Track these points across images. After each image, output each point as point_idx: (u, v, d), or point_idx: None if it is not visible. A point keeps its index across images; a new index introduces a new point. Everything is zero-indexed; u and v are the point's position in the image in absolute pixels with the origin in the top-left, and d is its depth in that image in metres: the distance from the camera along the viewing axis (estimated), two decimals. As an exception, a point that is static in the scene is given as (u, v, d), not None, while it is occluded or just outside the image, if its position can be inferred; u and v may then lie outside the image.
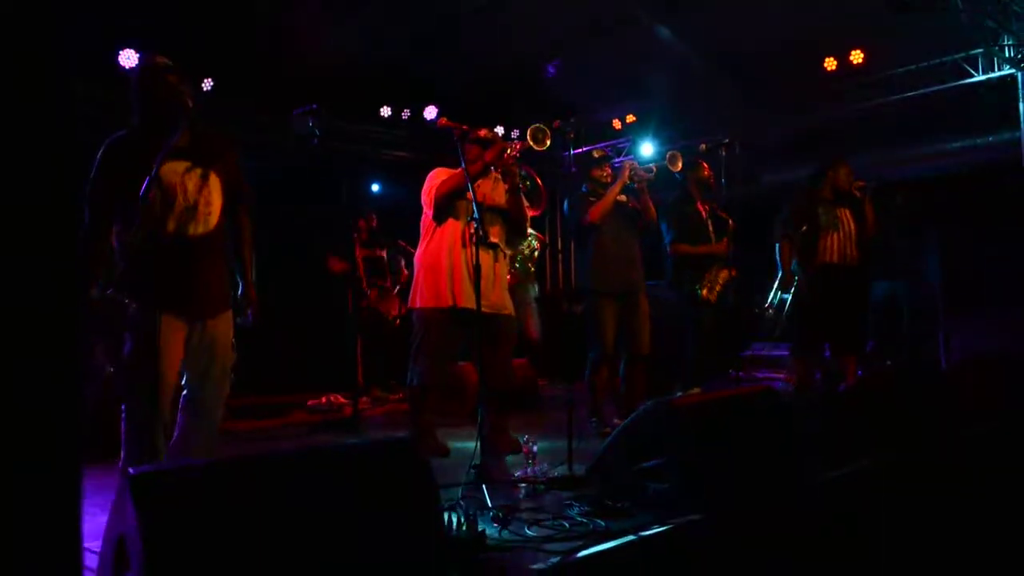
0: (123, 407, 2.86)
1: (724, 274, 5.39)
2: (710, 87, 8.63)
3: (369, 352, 7.10)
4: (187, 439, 2.97)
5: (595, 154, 5.21)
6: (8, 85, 1.21)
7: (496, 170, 4.14)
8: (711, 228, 5.45)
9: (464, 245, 4.10)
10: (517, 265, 7.14)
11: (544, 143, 4.07)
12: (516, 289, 7.22)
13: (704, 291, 5.30)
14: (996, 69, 7.30)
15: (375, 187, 9.27)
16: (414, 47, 6.91)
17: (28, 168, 1.32)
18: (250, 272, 3.18)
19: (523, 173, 4.29)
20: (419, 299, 4.19)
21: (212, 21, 6.52)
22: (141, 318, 2.80)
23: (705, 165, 5.53)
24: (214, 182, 2.98)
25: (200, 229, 2.92)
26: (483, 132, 4.23)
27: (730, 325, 6.96)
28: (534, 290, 7.52)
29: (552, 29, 7.57)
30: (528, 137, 4.05)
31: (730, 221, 5.50)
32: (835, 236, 5.14)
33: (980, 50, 7.16)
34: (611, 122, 9.41)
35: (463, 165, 3.78)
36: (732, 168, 5.35)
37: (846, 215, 5.18)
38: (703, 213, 5.46)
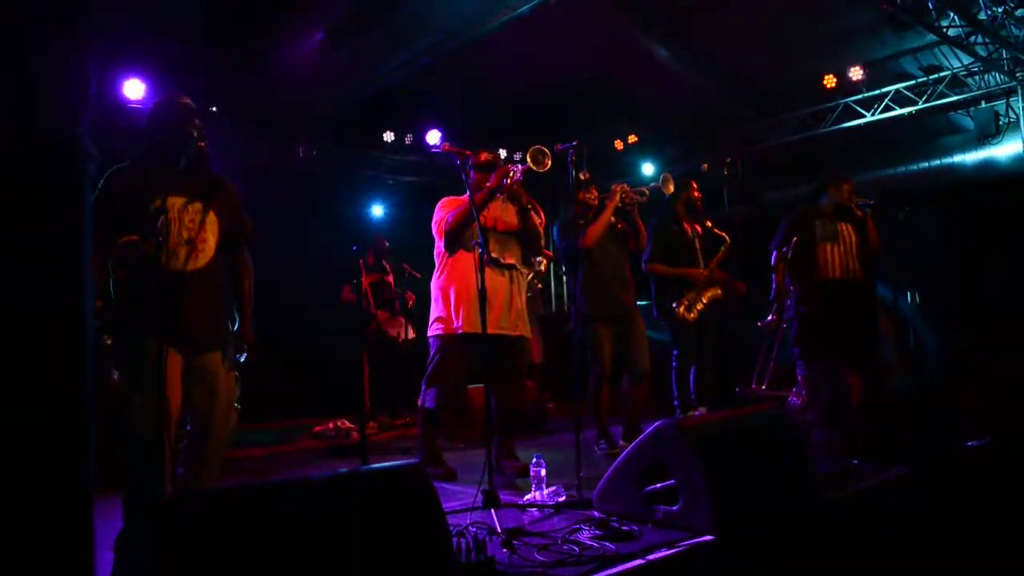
0: (124, 440, 2.84)
1: (710, 293, 5.34)
2: (712, 106, 8.69)
3: (376, 377, 7.10)
4: (194, 475, 2.97)
5: (582, 176, 5.15)
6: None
7: (502, 195, 4.17)
8: (699, 247, 5.43)
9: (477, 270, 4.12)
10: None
11: (545, 164, 4.08)
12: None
13: (681, 309, 5.25)
14: (994, 84, 7.36)
15: (380, 211, 9.31)
16: (417, 72, 6.96)
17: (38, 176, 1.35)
18: (248, 309, 3.20)
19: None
20: (435, 326, 4.23)
21: (215, 49, 6.59)
22: (139, 348, 2.79)
23: (695, 186, 5.51)
24: (211, 219, 3.01)
25: (194, 264, 2.95)
26: (484, 156, 4.26)
27: (732, 342, 6.95)
28: (540, 308, 7.51)
29: (555, 53, 7.64)
30: (528, 159, 4.06)
31: (727, 239, 5.49)
32: (835, 249, 5.07)
33: (978, 64, 7.22)
34: (613, 143, 9.47)
35: (468, 192, 3.81)
36: (734, 186, 5.35)
37: (847, 229, 5.13)
38: (689, 233, 5.44)
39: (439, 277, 4.27)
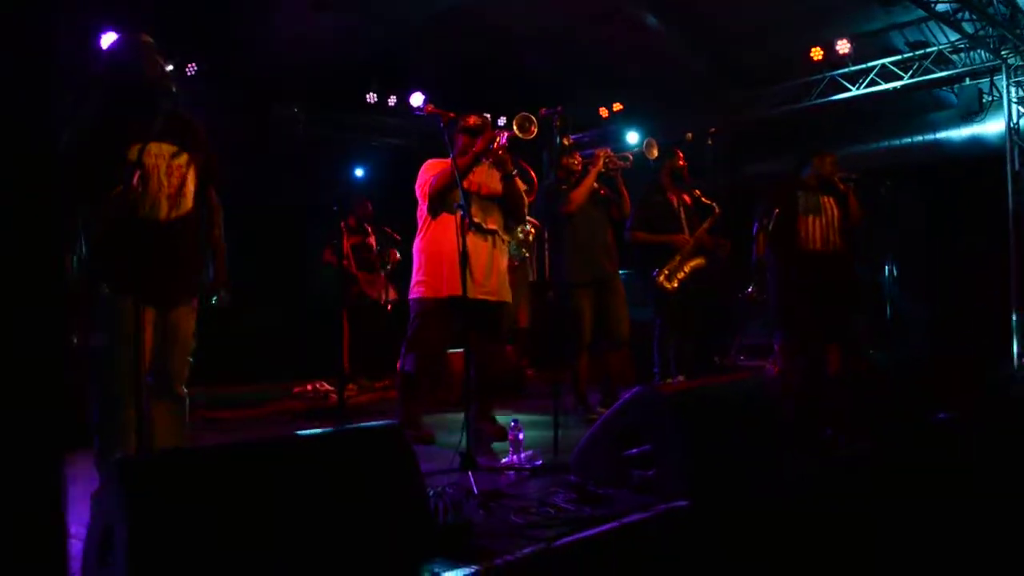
0: (95, 395, 2.81)
1: (692, 263, 5.32)
2: (697, 77, 8.65)
3: (356, 339, 7.10)
4: (158, 424, 2.91)
5: (565, 142, 5.12)
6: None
7: (487, 159, 4.14)
8: (684, 217, 5.40)
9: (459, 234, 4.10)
10: (512, 251, 7.15)
11: (530, 132, 4.06)
12: (512, 274, 7.25)
13: (661, 277, 5.24)
14: (979, 62, 7.37)
15: (360, 173, 9.24)
16: (402, 34, 6.87)
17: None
18: (222, 254, 3.16)
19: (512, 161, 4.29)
20: (417, 289, 4.20)
21: (196, 7, 6.46)
22: (119, 306, 2.74)
23: (680, 154, 5.48)
24: (190, 166, 2.95)
25: (175, 213, 2.89)
26: (472, 120, 4.21)
27: (714, 313, 6.99)
28: (529, 275, 7.51)
29: (540, 17, 7.56)
30: (514, 126, 4.04)
31: (716, 208, 5.46)
32: (817, 222, 5.07)
33: (964, 40, 7.22)
34: (598, 110, 9.42)
35: (452, 155, 3.77)
36: (718, 157, 5.34)
37: (830, 202, 5.13)
38: (675, 203, 5.42)
39: (421, 240, 4.24)
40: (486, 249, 4.17)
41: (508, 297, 4.34)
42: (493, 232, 4.23)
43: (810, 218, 5.06)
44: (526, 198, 4.37)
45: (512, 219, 4.40)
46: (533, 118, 4.03)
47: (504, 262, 4.35)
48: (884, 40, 7.88)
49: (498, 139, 4.04)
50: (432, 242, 4.17)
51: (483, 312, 4.11)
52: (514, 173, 4.20)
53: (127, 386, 2.76)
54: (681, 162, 5.43)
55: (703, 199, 5.53)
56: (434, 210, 4.16)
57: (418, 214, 4.29)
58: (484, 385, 4.26)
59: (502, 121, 8.78)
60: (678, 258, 5.31)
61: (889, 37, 7.83)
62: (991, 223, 7.42)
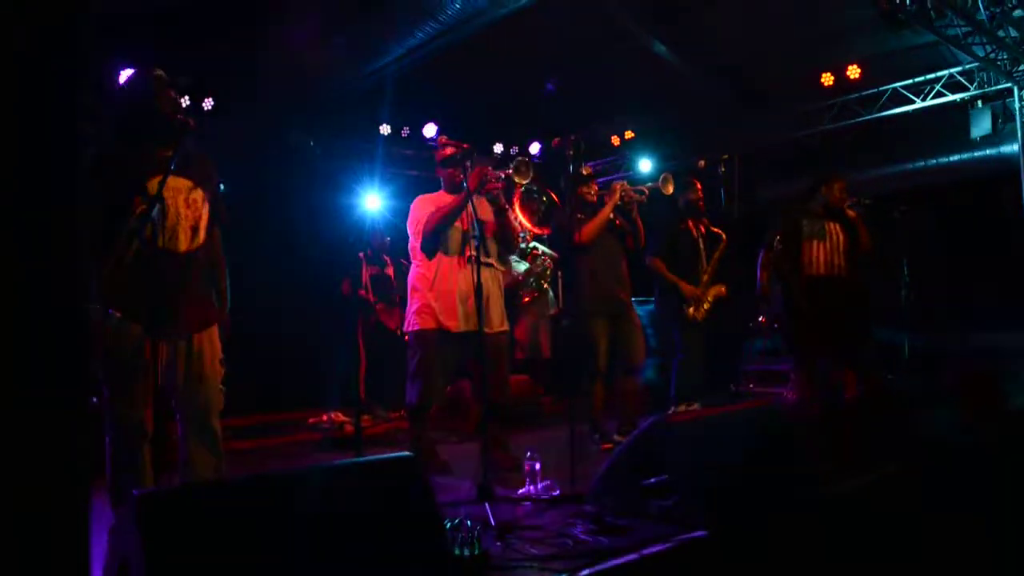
0: (108, 428, 2.80)
1: (714, 291, 5.43)
2: (709, 103, 8.68)
3: (372, 369, 7.09)
4: (193, 459, 2.95)
5: (584, 171, 5.19)
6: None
7: (481, 195, 4.18)
8: (703, 247, 5.49)
9: (457, 268, 4.16)
10: (532, 282, 7.20)
11: (527, 175, 4.17)
12: (532, 305, 7.28)
13: (691, 310, 5.34)
14: (992, 84, 7.36)
15: (377, 204, 9.29)
16: (414, 65, 6.93)
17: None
18: (225, 290, 3.18)
19: (535, 189, 4.42)
20: (413, 321, 4.24)
21: (212, 41, 6.55)
22: (125, 336, 2.76)
23: (699, 187, 5.56)
24: (203, 201, 3.00)
25: (189, 246, 2.93)
26: (448, 150, 4.27)
27: (727, 340, 6.97)
28: (551, 306, 7.55)
29: (552, 45, 7.61)
30: (512, 170, 4.15)
31: (723, 237, 5.55)
32: (821, 247, 5.09)
33: (975, 64, 7.22)
34: (610, 138, 9.45)
35: (442, 186, 3.83)
36: (731, 184, 5.38)
37: (835, 228, 5.17)
38: (695, 233, 5.50)
39: (414, 274, 4.29)
40: (483, 280, 4.19)
41: (506, 326, 4.40)
42: (489, 265, 4.27)
43: (814, 243, 5.10)
44: (543, 230, 4.44)
45: (504, 250, 4.50)
46: (530, 163, 4.14)
47: (500, 293, 4.41)
48: (895, 64, 7.88)
49: (490, 178, 4.09)
50: (426, 277, 4.22)
51: (482, 343, 4.12)
52: (506, 208, 4.25)
53: (143, 421, 2.77)
54: (699, 193, 5.51)
55: (712, 228, 5.63)
56: (428, 249, 4.20)
57: (410, 249, 4.33)
58: (495, 415, 4.26)
59: (514, 150, 8.84)
60: (701, 289, 5.37)
61: (900, 61, 7.84)
62: (1008, 244, 7.37)
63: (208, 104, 7.10)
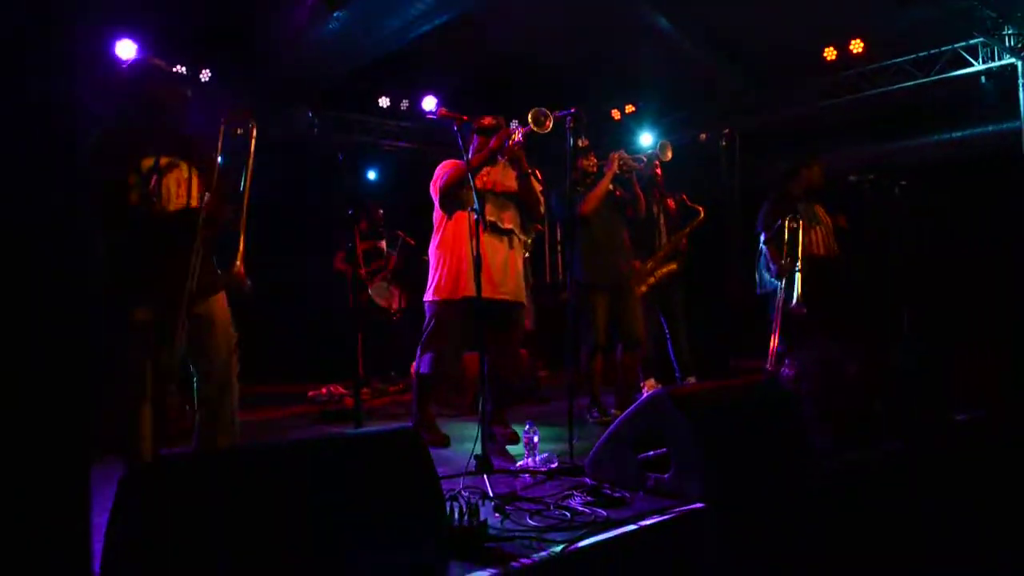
0: (116, 400, 2.86)
1: (664, 269, 5.51)
2: (710, 77, 8.61)
3: (369, 343, 7.10)
4: (209, 428, 3.05)
5: (580, 143, 5.11)
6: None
7: (503, 158, 4.12)
8: (663, 223, 5.59)
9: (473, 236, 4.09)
10: None
11: (546, 126, 3.96)
12: None
13: (632, 283, 5.30)
14: (996, 59, 7.29)
15: (372, 176, 9.27)
16: (412, 40, 6.87)
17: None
18: (241, 247, 3.19)
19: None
20: (432, 291, 4.17)
21: (210, 13, 6.49)
22: (129, 310, 2.83)
23: (657, 162, 5.42)
24: (195, 179, 3.04)
25: (184, 216, 2.97)
26: (487, 120, 4.20)
27: (729, 315, 6.97)
28: (529, 277, 7.52)
29: (552, 17, 7.55)
30: (530, 120, 3.94)
31: (700, 212, 5.62)
32: (818, 229, 5.30)
33: (980, 39, 7.14)
34: (610, 112, 9.39)
35: (464, 155, 3.76)
36: (731, 158, 5.39)
37: (821, 211, 5.38)
38: (655, 210, 5.57)
39: (437, 241, 4.22)
40: (502, 249, 4.14)
41: (524, 298, 4.31)
42: (510, 232, 4.20)
43: (813, 227, 5.27)
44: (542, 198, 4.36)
45: (529, 218, 4.35)
46: (548, 112, 3.97)
47: (520, 262, 4.32)
48: (900, 39, 7.80)
49: (514, 135, 4.02)
50: (447, 244, 4.15)
51: (499, 313, 4.09)
52: (529, 171, 4.18)
53: (143, 392, 2.81)
54: (658, 170, 5.42)
55: (688, 203, 5.68)
56: (447, 208, 4.14)
57: (434, 215, 4.28)
58: (498, 388, 4.24)
59: (514, 124, 8.75)
60: (650, 264, 5.46)
61: (905, 36, 7.76)
62: (1013, 221, 7.34)
63: (205, 76, 7.04)
